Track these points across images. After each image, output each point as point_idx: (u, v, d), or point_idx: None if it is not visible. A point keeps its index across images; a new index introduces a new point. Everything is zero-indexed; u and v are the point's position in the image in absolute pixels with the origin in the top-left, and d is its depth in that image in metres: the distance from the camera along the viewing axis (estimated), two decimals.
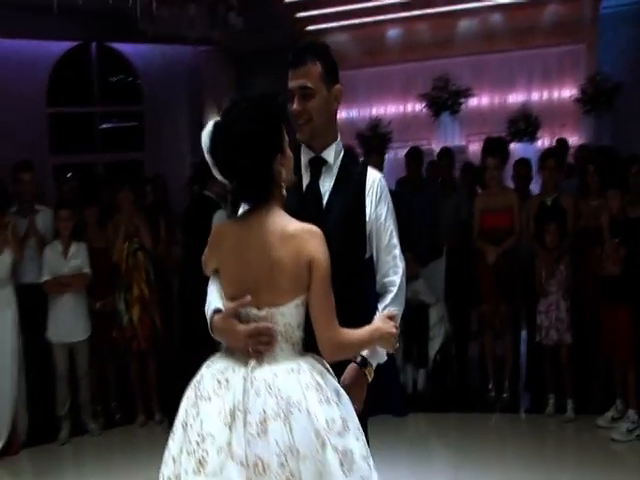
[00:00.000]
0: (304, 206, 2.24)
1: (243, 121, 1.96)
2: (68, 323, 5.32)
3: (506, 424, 5.49)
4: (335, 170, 2.30)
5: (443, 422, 5.56)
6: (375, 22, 8.69)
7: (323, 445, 1.86)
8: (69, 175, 6.73)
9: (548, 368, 5.26)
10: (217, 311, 2.07)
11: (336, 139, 2.36)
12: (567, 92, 8.18)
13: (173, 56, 9.29)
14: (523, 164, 5.88)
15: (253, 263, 1.98)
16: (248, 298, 1.97)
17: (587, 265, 5.11)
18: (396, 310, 2.24)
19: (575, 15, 8.06)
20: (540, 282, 5.15)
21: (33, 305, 5.30)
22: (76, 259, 5.37)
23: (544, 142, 8.17)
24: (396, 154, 8.69)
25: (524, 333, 5.75)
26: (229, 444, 1.86)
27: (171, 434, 2.02)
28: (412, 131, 8.80)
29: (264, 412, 1.86)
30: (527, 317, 5.61)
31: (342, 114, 9.10)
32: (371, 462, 1.97)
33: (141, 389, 5.65)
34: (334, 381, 2.02)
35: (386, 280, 2.31)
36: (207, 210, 5.18)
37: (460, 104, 8.41)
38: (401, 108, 8.99)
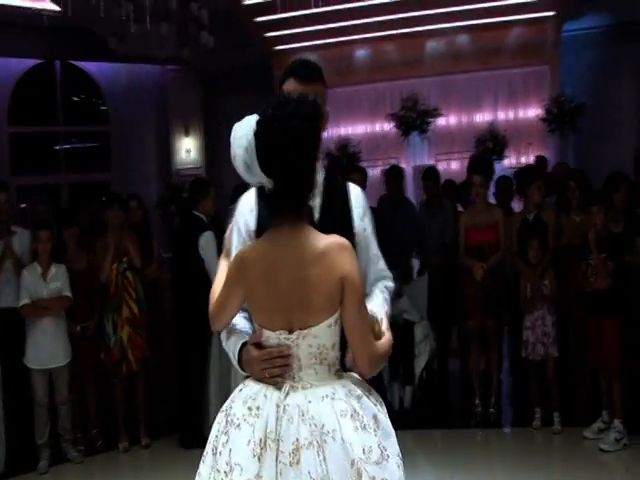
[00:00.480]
0: None
1: (298, 117, 1.88)
2: (48, 348, 5.18)
3: (493, 439, 5.57)
4: (321, 187, 2.25)
5: (430, 438, 5.61)
6: (344, 42, 8.83)
7: (359, 475, 1.81)
8: (39, 196, 6.57)
9: (534, 382, 5.37)
10: (244, 344, 2.04)
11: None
12: (532, 112, 8.44)
13: (139, 75, 9.27)
14: (505, 181, 6.04)
15: (285, 286, 1.91)
16: (259, 334, 1.96)
17: (571, 279, 5.26)
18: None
19: (539, 37, 8.33)
20: (525, 298, 5.27)
21: (10, 330, 5.18)
22: (56, 281, 5.26)
23: (511, 160, 8.41)
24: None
25: (505, 348, 5.86)
26: (258, 476, 1.82)
27: (202, 457, 1.98)
28: (381, 150, 8.94)
29: (297, 441, 1.81)
30: (510, 332, 5.73)
31: None
32: None
33: (125, 413, 5.54)
34: (372, 406, 1.95)
35: (380, 283, 2.29)
36: (195, 230, 5.24)
37: (428, 124, 8.56)
38: (370, 128, 9.13)
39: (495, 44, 8.46)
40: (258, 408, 1.89)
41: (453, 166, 8.77)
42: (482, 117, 8.69)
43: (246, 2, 8.20)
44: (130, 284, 5.44)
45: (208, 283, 5.54)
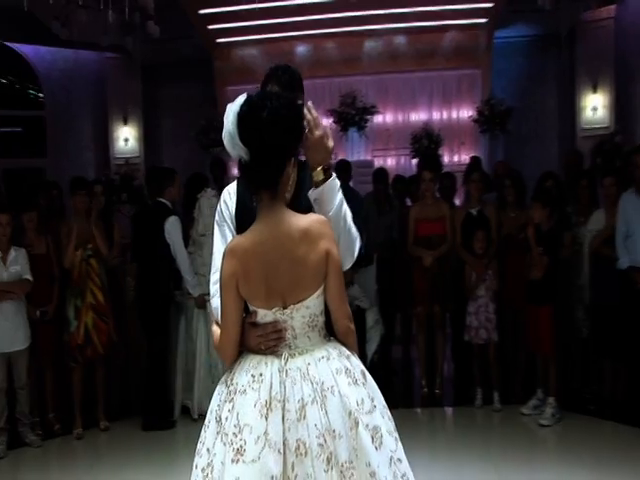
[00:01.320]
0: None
1: (278, 100, 2.11)
2: (7, 332, 5.29)
3: (437, 417, 6.06)
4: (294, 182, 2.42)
5: None
6: (285, 38, 9.12)
7: (356, 424, 2.09)
8: None
9: (476, 364, 5.88)
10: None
11: None
12: (465, 113, 9.02)
13: (77, 61, 9.24)
14: (449, 178, 6.54)
15: (279, 270, 2.13)
16: (254, 315, 2.19)
17: (511, 270, 5.80)
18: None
19: (472, 42, 8.91)
20: (469, 286, 5.77)
21: None
22: (15, 265, 5.35)
23: (445, 159, 8.94)
24: None
25: (449, 333, 6.36)
26: (266, 433, 2.05)
27: (204, 427, 2.22)
28: None
29: (302, 399, 2.07)
30: (453, 318, 6.23)
31: None
32: (396, 436, 2.21)
33: (83, 398, 5.67)
34: (359, 362, 2.25)
35: None
36: (161, 215, 5.58)
37: (367, 120, 8.98)
38: None
39: (431, 47, 8.98)
40: (261, 375, 2.13)
41: (389, 162, 9.24)
42: (417, 116, 9.20)
43: None
44: (94, 270, 5.58)
45: (171, 267, 5.83)
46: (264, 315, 2.20)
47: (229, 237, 2.38)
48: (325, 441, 2.05)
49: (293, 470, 2.04)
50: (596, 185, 6.00)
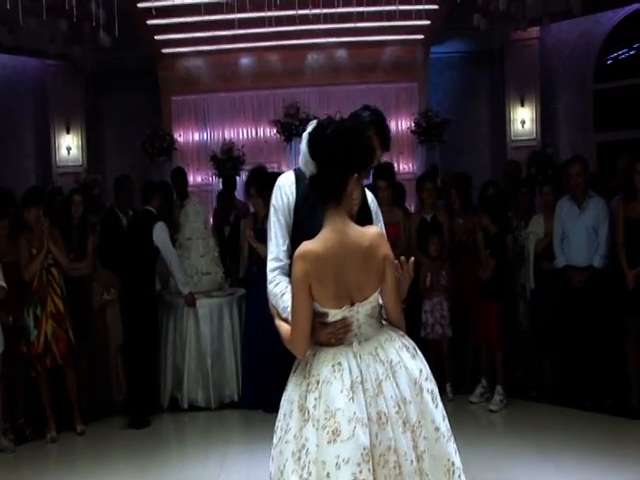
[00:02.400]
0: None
1: (350, 130, 2.59)
2: None
3: None
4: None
5: None
6: (229, 50, 9.54)
7: (420, 390, 2.57)
8: None
9: (432, 358, 6.45)
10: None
11: None
12: (404, 124, 9.68)
13: (16, 68, 9.33)
14: (400, 186, 7.14)
15: (350, 275, 2.55)
16: (325, 316, 2.58)
17: (462, 271, 6.45)
18: None
19: (409, 57, 9.61)
20: (424, 286, 6.37)
21: None
22: None
23: None
24: None
25: None
26: (354, 413, 2.45)
27: (283, 417, 2.59)
28: (264, 155, 9.72)
29: (377, 377, 2.52)
30: (407, 316, 6.78)
31: (195, 137, 9.83)
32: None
33: (52, 404, 5.92)
34: (410, 340, 2.73)
35: None
36: (149, 222, 6.10)
37: None
38: (253, 132, 9.89)
39: (371, 61, 9.62)
40: (339, 364, 2.54)
41: None
42: None
43: (140, 5, 8.66)
44: (55, 280, 5.86)
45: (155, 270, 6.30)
46: (334, 314, 2.59)
47: (284, 225, 2.86)
48: (400, 408, 2.51)
49: (377, 438, 2.46)
50: (534, 192, 6.74)
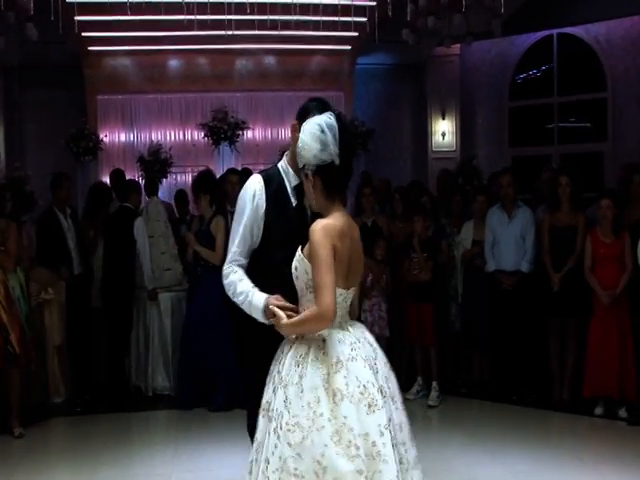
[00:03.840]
0: (296, 220, 3.11)
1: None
2: None
3: None
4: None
5: None
6: (157, 51, 9.69)
7: (385, 363, 2.95)
8: None
9: None
10: None
11: None
12: None
13: None
14: None
15: (356, 255, 2.89)
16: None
17: (398, 273, 6.96)
18: None
19: (336, 66, 10.10)
20: (365, 287, 6.83)
21: None
22: None
23: None
24: (176, 179, 9.85)
25: None
26: (380, 384, 2.77)
27: (308, 407, 2.68)
28: (192, 158, 9.94)
29: (372, 357, 2.84)
30: None
31: (122, 137, 9.92)
32: None
33: None
34: None
35: None
36: (129, 218, 6.88)
37: (238, 135, 9.79)
38: (181, 135, 10.08)
39: (299, 68, 10.04)
40: (355, 342, 2.81)
41: None
42: (286, 133, 10.17)
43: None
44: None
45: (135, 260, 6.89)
46: (338, 295, 2.80)
47: (247, 228, 3.14)
48: (388, 385, 2.88)
49: None
50: (467, 200, 7.37)
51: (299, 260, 2.85)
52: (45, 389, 6.81)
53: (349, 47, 9.93)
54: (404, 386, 6.93)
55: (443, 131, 10.14)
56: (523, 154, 9.96)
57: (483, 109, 10.27)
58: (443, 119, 10.16)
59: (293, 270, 2.88)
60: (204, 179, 6.95)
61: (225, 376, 6.57)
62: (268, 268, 3.12)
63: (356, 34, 9.58)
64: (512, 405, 6.67)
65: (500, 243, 6.81)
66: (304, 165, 2.88)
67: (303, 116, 3.10)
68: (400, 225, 7.12)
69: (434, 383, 6.75)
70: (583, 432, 6.16)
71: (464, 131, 10.19)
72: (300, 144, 2.86)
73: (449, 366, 7.34)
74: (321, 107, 3.11)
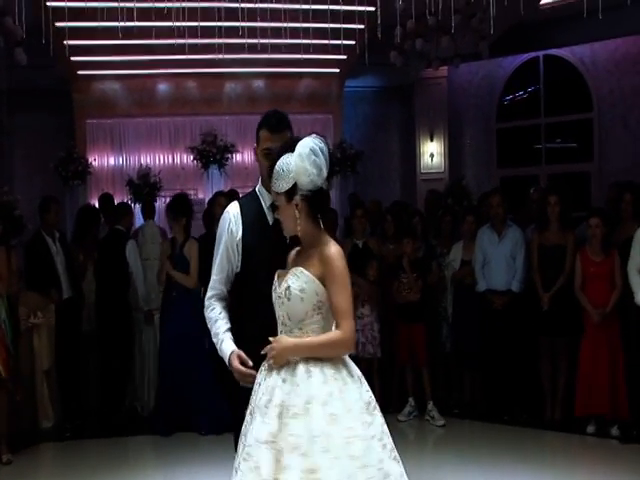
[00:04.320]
0: (273, 237, 3.11)
1: None
2: None
3: None
4: None
5: None
6: (147, 75, 9.78)
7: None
8: None
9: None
10: None
11: None
12: None
13: None
14: (332, 213, 7.63)
15: None
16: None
17: (388, 295, 7.01)
18: None
19: (325, 90, 10.21)
20: (356, 307, 6.87)
21: None
22: None
23: None
24: (165, 202, 9.84)
25: None
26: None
27: (358, 418, 2.72)
28: (181, 181, 9.98)
29: None
30: None
31: (111, 161, 9.96)
32: None
33: None
34: None
35: None
36: (121, 241, 7.01)
37: (227, 159, 9.85)
38: (170, 159, 10.12)
39: (287, 92, 10.13)
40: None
41: None
42: None
43: (58, 24, 8.76)
44: None
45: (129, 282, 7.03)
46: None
47: (225, 255, 3.19)
48: None
49: None
50: (456, 221, 7.44)
51: (308, 282, 2.72)
52: (34, 414, 6.77)
53: (337, 70, 10.05)
54: (395, 407, 6.98)
55: (431, 152, 10.25)
56: (511, 174, 10.08)
57: (471, 130, 10.41)
58: (431, 141, 10.27)
59: (296, 292, 2.72)
60: (180, 203, 6.99)
61: (207, 399, 6.59)
62: (252, 291, 3.14)
63: (344, 57, 9.71)
64: (504, 425, 6.71)
65: (491, 263, 6.87)
66: (291, 190, 2.79)
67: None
68: (391, 247, 7.18)
69: (430, 403, 6.78)
70: (576, 451, 6.22)
71: (452, 152, 10.31)
72: (295, 168, 2.78)
73: (440, 386, 7.36)
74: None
